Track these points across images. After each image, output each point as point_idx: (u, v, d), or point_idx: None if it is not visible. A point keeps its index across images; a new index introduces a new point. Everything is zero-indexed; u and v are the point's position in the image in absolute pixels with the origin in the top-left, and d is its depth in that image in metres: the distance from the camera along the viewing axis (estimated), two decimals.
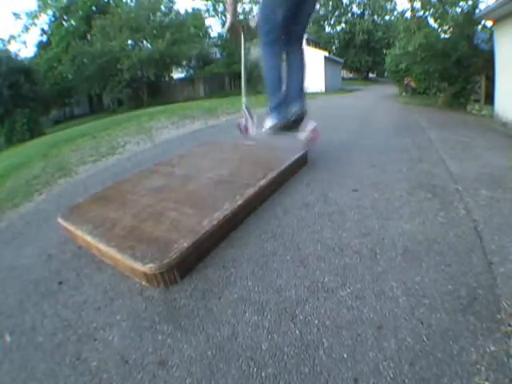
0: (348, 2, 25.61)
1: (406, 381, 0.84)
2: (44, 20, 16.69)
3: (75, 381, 0.94)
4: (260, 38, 1.98)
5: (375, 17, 25.18)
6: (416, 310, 1.06)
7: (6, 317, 1.26)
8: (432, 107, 6.76)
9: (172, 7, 15.81)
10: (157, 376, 0.92)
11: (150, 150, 3.93)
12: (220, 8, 16.61)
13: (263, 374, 0.89)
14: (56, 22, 16.26)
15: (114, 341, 1.06)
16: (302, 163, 2.51)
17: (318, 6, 25.78)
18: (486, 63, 5.76)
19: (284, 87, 2.14)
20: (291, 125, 2.21)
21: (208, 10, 16.93)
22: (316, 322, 1.05)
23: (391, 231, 1.54)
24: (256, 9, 17.59)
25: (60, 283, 1.41)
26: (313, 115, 3.23)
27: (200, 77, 16.25)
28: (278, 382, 0.87)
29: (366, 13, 25.55)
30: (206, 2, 16.57)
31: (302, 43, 2.18)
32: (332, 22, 26.85)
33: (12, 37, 16.26)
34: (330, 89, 15.07)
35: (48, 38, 16.66)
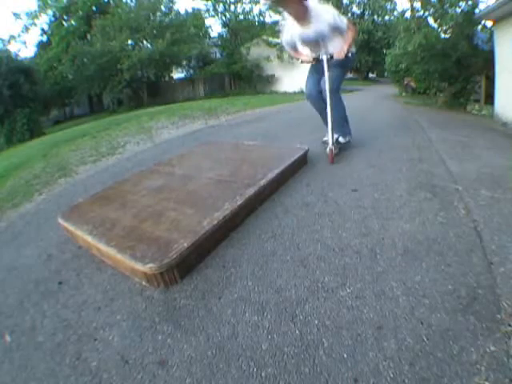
0: (348, 2, 25.58)
1: (406, 381, 0.84)
2: (44, 20, 16.69)
3: (75, 381, 0.94)
4: (336, 92, 2.62)
5: (375, 17, 25.17)
6: (416, 310, 1.06)
7: (6, 317, 1.26)
8: (432, 107, 6.75)
9: (172, 7, 15.81)
10: (157, 376, 0.92)
11: (150, 149, 3.93)
12: (220, 8, 16.61)
13: (263, 374, 0.89)
14: (56, 21, 16.25)
15: (114, 341, 1.06)
16: (302, 163, 2.51)
17: None
18: (486, 63, 5.76)
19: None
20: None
21: (208, 10, 16.88)
22: (316, 321, 1.05)
23: (391, 231, 1.54)
24: (256, 9, 17.61)
25: (60, 283, 1.41)
26: (313, 115, 3.24)
27: (200, 77, 16.24)
28: (278, 382, 0.87)
29: (366, 13, 25.53)
30: (205, 2, 16.53)
31: None
32: None
33: (12, 37, 16.22)
34: None
35: (48, 38, 16.65)
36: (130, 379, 0.92)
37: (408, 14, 7.47)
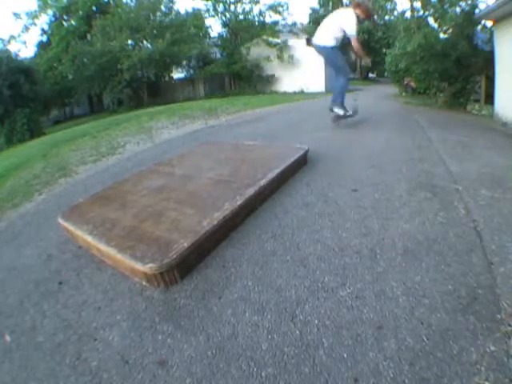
0: (348, 2, 25.60)
1: (406, 381, 0.84)
2: (44, 20, 16.66)
3: (75, 381, 0.94)
4: (344, 72, 3.66)
5: (375, 17, 25.19)
6: (416, 310, 1.06)
7: (6, 317, 1.26)
8: (432, 107, 6.75)
9: (172, 7, 15.79)
10: (157, 376, 0.92)
11: (150, 149, 3.93)
12: (220, 8, 16.58)
13: (263, 374, 0.89)
14: (56, 21, 16.23)
15: (114, 341, 1.06)
16: (302, 163, 2.51)
17: (317, 6, 25.81)
18: (486, 63, 5.75)
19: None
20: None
21: (208, 10, 16.83)
22: (316, 321, 1.05)
23: (391, 231, 1.54)
24: (255, 8, 17.59)
25: (60, 283, 1.41)
26: (313, 115, 3.23)
27: (200, 77, 16.22)
28: (278, 382, 0.87)
29: None
30: (206, 2, 16.50)
31: None
32: None
33: (12, 37, 16.19)
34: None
35: (48, 38, 16.62)
36: (130, 379, 0.92)
37: (408, 14, 7.46)
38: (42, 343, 1.10)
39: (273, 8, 16.80)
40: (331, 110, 3.91)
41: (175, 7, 16.09)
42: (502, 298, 1.08)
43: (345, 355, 0.93)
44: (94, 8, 16.02)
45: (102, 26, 13.82)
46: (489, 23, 5.86)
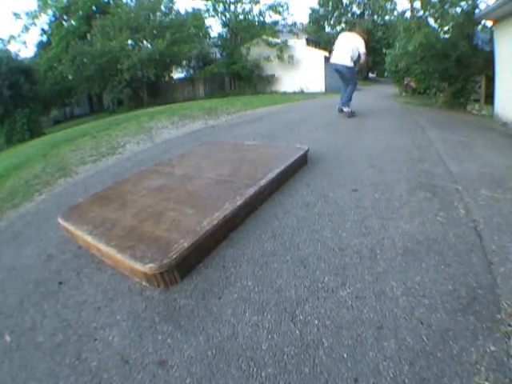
0: (348, 2, 25.58)
1: (406, 381, 0.84)
2: (44, 20, 16.64)
3: (75, 381, 0.94)
4: (354, 82, 4.70)
5: (375, 17, 25.18)
6: (416, 310, 1.06)
7: (6, 317, 1.26)
8: (432, 107, 6.75)
9: (172, 7, 15.77)
10: (157, 376, 0.92)
11: (150, 149, 3.93)
12: (220, 8, 16.57)
13: (263, 374, 0.89)
14: (56, 21, 16.22)
15: (113, 341, 1.06)
16: (302, 163, 2.51)
17: (317, 6, 25.84)
18: (486, 63, 5.75)
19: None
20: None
21: (208, 10, 16.80)
22: (316, 321, 1.05)
23: (391, 231, 1.54)
24: (255, 8, 17.61)
25: (60, 283, 1.41)
26: (313, 115, 3.23)
27: (200, 77, 16.20)
28: (278, 382, 0.87)
29: (366, 13, 25.54)
30: (206, 2, 16.48)
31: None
32: (332, 22, 26.82)
33: (12, 37, 16.16)
34: (330, 89, 15.01)
35: (48, 38, 16.61)
36: (130, 379, 0.92)
37: (408, 14, 7.46)
38: (42, 343, 1.10)
39: (273, 8, 16.78)
40: (341, 111, 4.92)
41: (175, 7, 16.08)
42: (502, 298, 1.08)
43: (345, 355, 0.93)
44: (94, 8, 16.01)
45: (102, 26, 13.81)
46: (489, 23, 5.86)
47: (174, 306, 1.19)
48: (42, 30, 17.48)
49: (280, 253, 1.44)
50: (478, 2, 5.91)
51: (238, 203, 1.63)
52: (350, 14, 26.15)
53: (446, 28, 6.39)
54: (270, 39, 15.21)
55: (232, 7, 16.75)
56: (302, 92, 14.64)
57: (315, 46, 18.60)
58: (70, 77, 15.03)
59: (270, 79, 15.79)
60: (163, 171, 2.36)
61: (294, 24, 18.41)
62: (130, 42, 14.28)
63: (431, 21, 6.62)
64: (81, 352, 1.04)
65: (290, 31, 16.56)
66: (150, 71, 14.04)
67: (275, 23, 16.94)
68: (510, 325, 0.98)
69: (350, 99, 4.75)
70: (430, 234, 1.49)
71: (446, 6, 6.14)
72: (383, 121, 4.64)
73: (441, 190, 1.97)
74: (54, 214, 1.98)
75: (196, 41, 15.78)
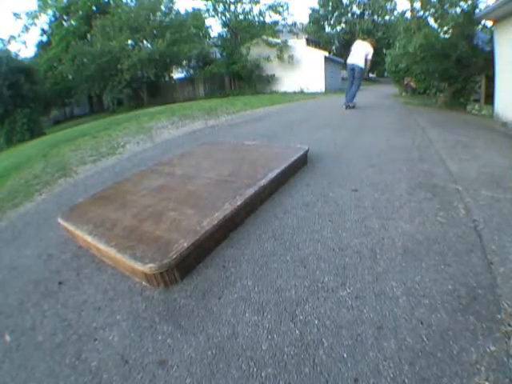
0: (348, 2, 25.61)
1: (406, 381, 0.84)
2: (44, 20, 16.64)
3: (75, 381, 0.94)
4: (359, 82, 5.84)
5: (375, 17, 25.20)
6: (416, 310, 1.06)
7: (6, 317, 1.26)
8: (432, 107, 6.75)
9: (172, 7, 15.77)
10: (157, 376, 0.92)
11: (150, 149, 3.93)
12: (220, 8, 16.57)
13: (263, 374, 0.89)
14: (56, 22, 16.22)
15: (114, 341, 1.06)
16: (302, 163, 2.51)
17: (318, 6, 25.83)
18: (486, 63, 5.75)
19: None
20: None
21: (208, 10, 16.78)
22: (316, 321, 1.05)
23: (391, 231, 1.54)
24: (255, 8, 17.61)
25: (60, 283, 1.41)
26: (313, 115, 3.23)
27: (200, 77, 16.19)
28: (278, 382, 0.87)
29: (366, 13, 25.55)
30: (206, 2, 16.48)
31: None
32: (332, 22, 26.84)
33: (12, 37, 16.16)
34: (329, 89, 15.05)
35: (48, 38, 16.62)
36: (130, 379, 0.92)
37: (408, 15, 7.46)
38: (42, 343, 1.10)
39: (273, 8, 16.77)
40: (347, 107, 5.95)
41: (175, 7, 16.08)
42: (502, 298, 1.08)
43: (345, 355, 0.93)
44: (94, 8, 16.01)
45: (102, 26, 13.81)
46: (489, 23, 5.86)
47: (174, 306, 1.19)
48: (42, 30, 17.50)
49: (280, 253, 1.44)
50: (477, 2, 5.91)
51: (238, 203, 1.63)
52: (350, 14, 26.17)
53: (445, 28, 6.39)
54: (270, 39, 15.21)
55: (232, 7, 16.74)
56: (302, 92, 14.65)
57: (315, 46, 18.62)
58: (70, 77, 15.02)
59: (270, 79, 15.80)
60: (163, 171, 2.36)
61: (294, 24, 18.40)
62: (130, 42, 14.28)
63: (431, 21, 6.62)
64: (81, 352, 1.04)
65: (290, 31, 16.56)
66: (150, 71, 14.04)
67: (275, 23, 16.93)
68: (510, 325, 0.98)
69: (354, 97, 5.97)
70: (430, 233, 1.49)
71: (445, 6, 6.14)
72: (383, 121, 4.64)
73: (441, 190, 1.97)
74: (54, 213, 1.98)
75: (196, 41, 15.78)
